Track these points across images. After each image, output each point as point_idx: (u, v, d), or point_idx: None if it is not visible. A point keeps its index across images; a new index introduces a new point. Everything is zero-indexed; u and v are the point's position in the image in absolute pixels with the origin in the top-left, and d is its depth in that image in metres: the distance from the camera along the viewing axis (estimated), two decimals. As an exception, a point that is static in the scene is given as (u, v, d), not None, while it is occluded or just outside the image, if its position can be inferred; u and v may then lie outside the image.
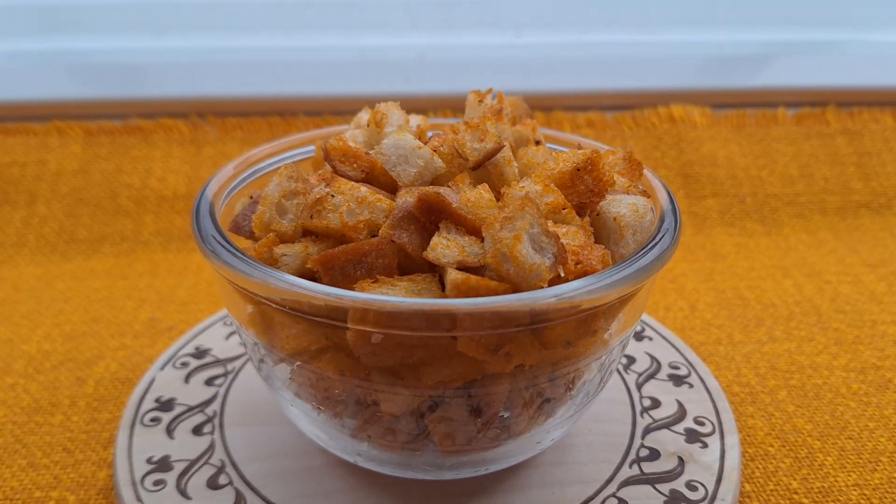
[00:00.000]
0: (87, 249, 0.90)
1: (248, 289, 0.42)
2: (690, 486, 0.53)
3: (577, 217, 0.45)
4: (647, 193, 0.52)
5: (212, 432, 0.57)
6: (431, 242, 0.42)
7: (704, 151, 1.02)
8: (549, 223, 0.44)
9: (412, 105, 1.04)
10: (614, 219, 0.47)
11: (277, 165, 0.60)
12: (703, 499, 0.51)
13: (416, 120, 0.60)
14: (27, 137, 0.97)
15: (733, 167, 1.01)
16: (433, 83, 1.04)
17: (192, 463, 0.54)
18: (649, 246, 0.46)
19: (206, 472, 0.53)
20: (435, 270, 0.44)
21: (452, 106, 1.05)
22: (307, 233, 0.47)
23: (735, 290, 0.83)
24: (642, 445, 0.56)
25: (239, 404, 0.60)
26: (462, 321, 0.39)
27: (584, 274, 0.42)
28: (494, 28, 1.07)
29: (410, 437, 0.49)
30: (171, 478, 0.53)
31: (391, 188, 0.49)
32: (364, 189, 0.45)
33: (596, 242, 0.49)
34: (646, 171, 0.55)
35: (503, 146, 0.50)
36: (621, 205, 0.48)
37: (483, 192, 0.46)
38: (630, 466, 0.55)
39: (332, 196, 0.44)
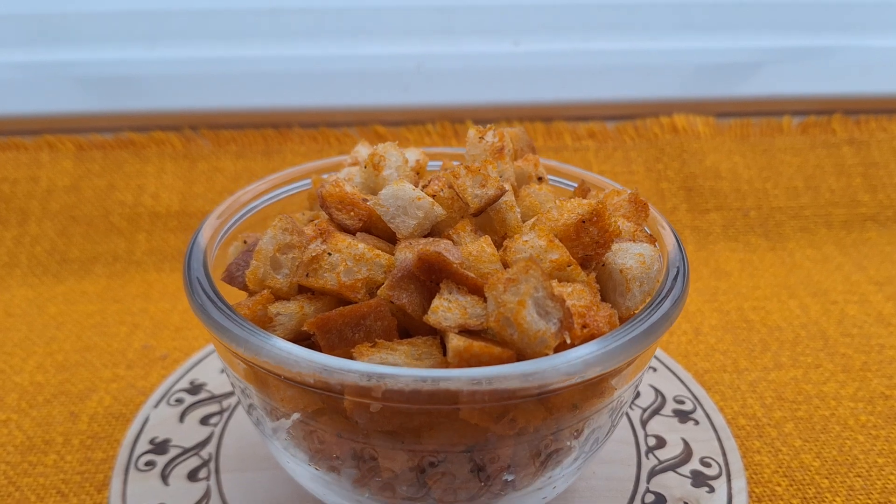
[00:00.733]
0: (79, 270, 0.88)
1: (241, 356, 0.41)
2: (697, 537, 0.52)
3: (582, 273, 0.44)
4: (653, 238, 0.51)
5: (207, 478, 0.56)
6: (432, 305, 0.41)
7: (708, 163, 1.00)
8: (554, 283, 0.42)
9: (410, 116, 1.03)
10: (620, 271, 0.46)
11: (272, 201, 0.59)
12: (711, 552, 0.50)
13: (414, 154, 0.58)
14: (17, 153, 0.95)
15: (737, 179, 0.99)
16: (431, 93, 1.02)
17: (188, 513, 0.53)
18: (657, 301, 0.44)
19: (202, 523, 0.52)
20: (436, 331, 0.42)
21: (451, 117, 1.03)
22: (303, 288, 0.45)
23: (739, 311, 0.81)
24: (648, 490, 0.55)
25: (235, 447, 0.59)
26: (464, 396, 0.37)
27: (591, 338, 0.41)
28: (493, 36, 1.04)
29: (410, 493, 0.47)
30: (165, 530, 0.52)
31: (390, 236, 0.48)
32: (362, 246, 0.43)
33: (601, 292, 0.48)
34: (652, 211, 0.54)
35: (505, 191, 0.48)
36: (627, 255, 0.46)
37: (485, 246, 0.44)
38: (635, 514, 0.53)
39: (329, 254, 0.43)
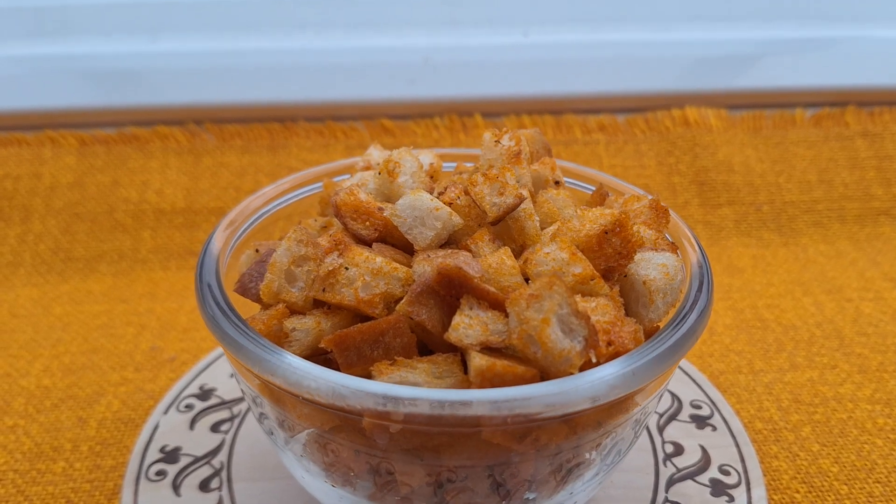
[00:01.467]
0: (84, 268, 0.87)
1: (256, 374, 0.40)
2: (718, 549, 0.51)
3: (606, 286, 0.43)
4: (675, 246, 0.50)
5: (219, 488, 0.55)
6: (453, 322, 0.40)
7: (720, 157, 0.99)
8: (578, 297, 0.41)
9: (418, 110, 1.01)
10: (643, 283, 0.45)
11: (282, 206, 0.57)
12: (732, 564, 0.50)
13: (427, 157, 0.57)
14: (20, 148, 0.94)
15: (750, 173, 0.98)
16: (439, 87, 1.00)
17: (201, 525, 0.52)
18: (682, 315, 0.43)
19: (215, 535, 0.51)
20: (456, 348, 0.41)
21: (459, 110, 1.01)
22: (318, 303, 0.44)
23: (754, 309, 0.80)
24: (667, 499, 0.54)
25: (247, 455, 0.58)
26: (487, 420, 0.36)
27: (616, 355, 0.40)
28: (501, 27, 1.03)
29: (429, 508, 0.46)
30: (178, 542, 0.51)
31: (407, 245, 0.47)
32: (380, 260, 0.42)
33: (623, 303, 0.46)
34: (672, 216, 0.52)
35: (524, 199, 0.47)
36: (650, 266, 0.45)
37: (505, 258, 0.43)
38: (654, 524, 0.53)
39: (346, 268, 0.42)
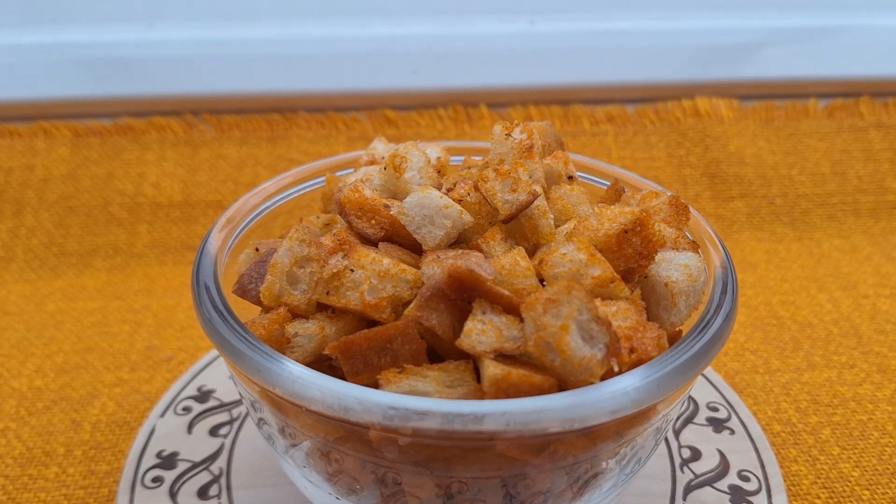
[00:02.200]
0: (78, 263, 0.84)
1: (257, 383, 0.37)
2: (740, 561, 0.49)
3: (626, 289, 0.40)
4: (696, 245, 0.47)
5: (218, 495, 0.53)
6: (465, 328, 0.37)
7: (732, 148, 0.96)
8: (597, 302, 0.39)
9: (421, 100, 0.99)
10: (665, 285, 0.42)
11: (283, 201, 0.55)
12: (755, 577, 0.48)
13: (435, 152, 0.55)
14: (11, 140, 0.91)
15: (762, 165, 0.96)
16: (443, 76, 0.97)
17: (199, 535, 0.50)
18: (706, 320, 0.41)
19: (214, 546, 0.49)
20: (468, 354, 0.39)
21: (464, 101, 0.98)
22: (321, 305, 0.42)
23: (768, 306, 0.78)
24: (684, 508, 0.52)
25: (247, 460, 0.56)
26: (502, 434, 0.34)
27: (639, 363, 0.37)
28: (507, 15, 1.00)
29: (438, 520, 0.44)
30: (176, 554, 0.49)
31: (414, 244, 0.44)
32: (387, 261, 0.40)
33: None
34: (692, 213, 0.50)
35: (537, 196, 0.44)
36: (672, 267, 0.43)
37: (519, 259, 0.41)
38: (672, 534, 0.50)
39: (352, 271, 0.39)
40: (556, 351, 0.35)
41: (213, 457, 0.56)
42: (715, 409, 0.61)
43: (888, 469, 0.58)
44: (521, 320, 0.37)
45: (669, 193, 0.49)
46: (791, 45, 1.01)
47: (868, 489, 0.56)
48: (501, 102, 0.99)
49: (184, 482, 0.54)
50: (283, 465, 0.48)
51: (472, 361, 0.39)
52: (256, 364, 0.37)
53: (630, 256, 0.42)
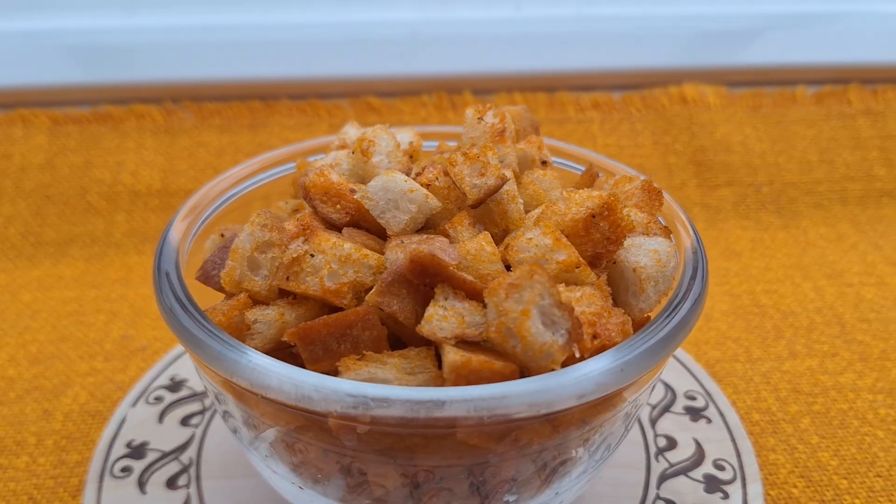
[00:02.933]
0: (55, 253, 0.83)
1: (215, 371, 0.37)
2: (712, 550, 0.48)
3: (592, 274, 0.39)
4: (668, 230, 0.46)
5: (187, 485, 0.52)
6: (426, 313, 0.37)
7: (718, 136, 0.95)
8: (561, 287, 0.38)
9: (405, 87, 0.98)
10: (633, 270, 0.41)
11: (253, 187, 0.54)
12: (727, 567, 0.47)
13: (407, 136, 0.54)
14: (-12, 128, 0.90)
15: (749, 153, 0.95)
16: (428, 62, 0.96)
17: (166, 525, 0.49)
18: (674, 305, 0.40)
19: (181, 536, 0.49)
20: (431, 342, 0.38)
21: (448, 87, 0.97)
22: (284, 292, 0.41)
23: (751, 294, 0.77)
24: (658, 497, 0.52)
25: (218, 451, 0.55)
26: (463, 421, 0.33)
27: (603, 349, 0.37)
28: (493, 0, 0.99)
29: (404, 510, 0.44)
30: (142, 544, 0.48)
31: (381, 230, 0.43)
32: (348, 246, 0.39)
33: (613, 293, 0.43)
34: (666, 198, 0.49)
35: (506, 180, 0.44)
36: (641, 252, 0.42)
37: (485, 244, 0.40)
38: (645, 523, 0.50)
39: (312, 255, 0.38)
40: (517, 337, 0.35)
41: (183, 447, 0.55)
42: (692, 398, 0.60)
43: (867, 458, 0.57)
44: (485, 306, 0.37)
45: (643, 178, 0.48)
46: (780, 30, 1.00)
47: (846, 478, 0.56)
48: (486, 89, 0.98)
49: (153, 472, 0.53)
50: (249, 457, 0.47)
51: (434, 348, 0.38)
52: (214, 352, 0.36)
53: (598, 241, 0.41)
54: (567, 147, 0.57)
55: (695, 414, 0.59)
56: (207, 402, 0.59)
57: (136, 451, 0.55)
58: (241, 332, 0.39)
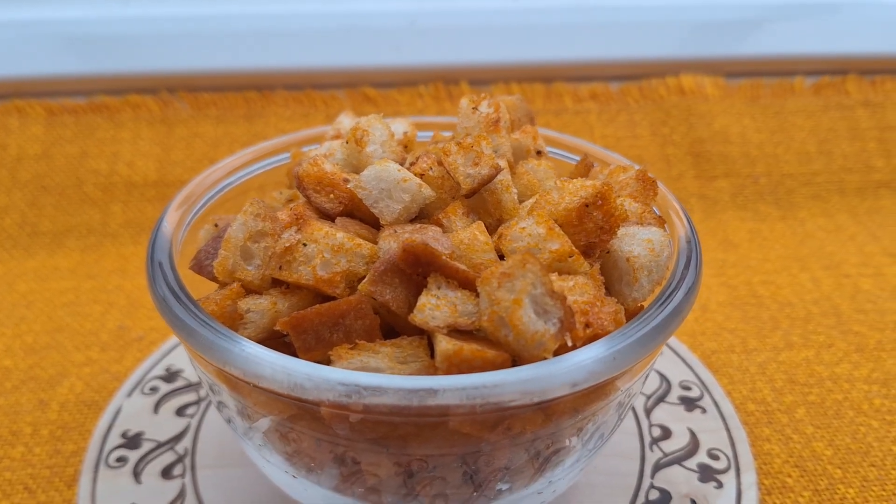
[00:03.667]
0: (51, 243, 0.83)
1: (208, 360, 0.37)
2: (706, 539, 0.48)
3: (585, 263, 0.39)
4: (662, 220, 0.46)
5: (182, 475, 0.52)
6: (419, 302, 0.37)
7: (716, 127, 0.95)
8: (554, 276, 0.38)
9: (402, 77, 0.97)
10: (627, 260, 0.41)
11: (248, 177, 0.54)
12: (721, 556, 0.47)
13: (401, 126, 0.54)
14: (-15, 118, 0.90)
15: (747, 144, 0.94)
16: (425, 53, 0.96)
17: (161, 514, 0.49)
18: (667, 294, 0.40)
19: (176, 526, 0.49)
20: (424, 330, 0.38)
21: (445, 78, 0.97)
22: (277, 281, 0.41)
23: (748, 285, 0.77)
24: (652, 486, 0.52)
25: (213, 441, 0.55)
26: (455, 409, 0.33)
27: (595, 338, 0.37)
28: (490, -10, 0.98)
29: (397, 499, 0.44)
30: (136, 534, 0.48)
31: (375, 220, 0.43)
32: (341, 235, 0.39)
33: (605, 282, 0.43)
34: (661, 189, 0.49)
35: (500, 170, 0.44)
36: (634, 242, 0.42)
37: (478, 234, 0.40)
38: (639, 513, 0.50)
39: (304, 244, 0.38)
40: (509, 325, 0.35)
41: (178, 437, 0.55)
42: (688, 388, 0.60)
43: (861, 448, 0.57)
44: (478, 295, 0.37)
45: (637, 168, 0.48)
46: (779, 21, 1.00)
47: (840, 468, 0.56)
48: (483, 80, 0.98)
49: (148, 462, 0.53)
50: (243, 447, 0.47)
51: (427, 338, 0.38)
52: (207, 341, 0.36)
53: (591, 231, 0.41)
54: (562, 137, 0.57)
55: (689, 404, 0.59)
56: (202, 392, 0.59)
57: (132, 441, 0.55)
58: (234, 321, 0.39)
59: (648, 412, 0.58)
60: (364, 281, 0.38)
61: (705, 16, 1.00)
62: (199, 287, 0.43)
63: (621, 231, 0.43)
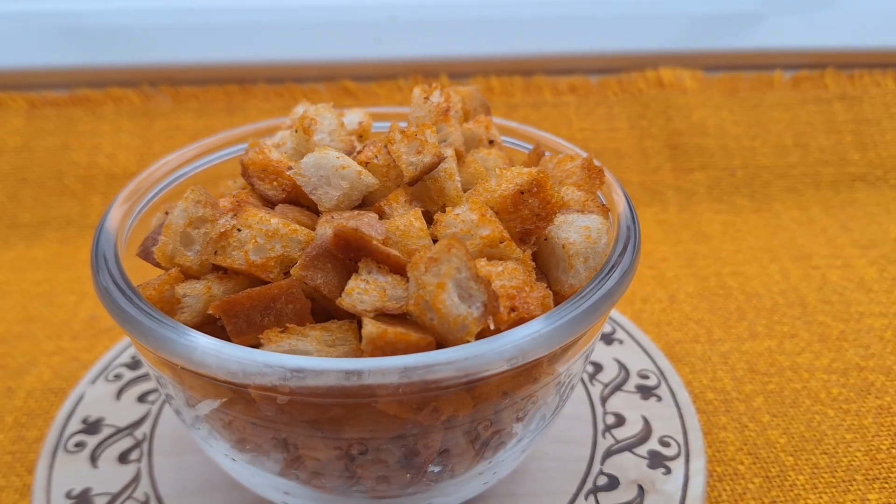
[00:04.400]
0: (29, 235, 0.85)
1: (146, 347, 0.37)
2: (649, 523, 0.49)
3: (518, 249, 0.40)
4: (606, 208, 0.47)
5: (139, 459, 0.53)
6: (347, 286, 0.37)
7: (694, 119, 0.95)
8: (483, 262, 0.39)
9: (382, 71, 0.98)
10: (563, 246, 0.42)
11: (205, 167, 0.55)
12: (662, 540, 0.48)
13: (356, 116, 0.54)
14: (-33, 111, 0.91)
15: (724, 137, 0.95)
16: (405, 46, 0.96)
17: (115, 497, 0.50)
18: (600, 279, 0.40)
19: (129, 508, 0.49)
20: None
21: (425, 71, 0.98)
22: (217, 267, 0.41)
23: (718, 276, 0.78)
24: (601, 472, 0.52)
25: (171, 426, 0.56)
26: (377, 390, 0.34)
27: (521, 322, 0.37)
28: (469, -16, 0.99)
29: (339, 482, 0.44)
30: (89, 516, 0.49)
31: (317, 207, 0.44)
32: (275, 221, 0.39)
33: (544, 269, 0.44)
34: (608, 177, 0.49)
35: (442, 159, 0.44)
36: (572, 229, 0.42)
37: (413, 221, 0.41)
38: (586, 498, 0.51)
39: (239, 230, 0.39)
40: (433, 309, 0.35)
41: (138, 423, 0.56)
42: (645, 377, 0.61)
43: (815, 436, 0.58)
44: (409, 280, 0.37)
45: (584, 156, 0.49)
46: (757, 16, 1.00)
47: (792, 455, 0.56)
48: (463, 73, 0.99)
49: (106, 447, 0.54)
50: (194, 437, 0.48)
51: (358, 321, 0.38)
52: (142, 326, 0.37)
53: (527, 217, 0.42)
54: (519, 127, 0.57)
55: (646, 392, 0.59)
56: (165, 379, 0.60)
57: (92, 426, 0.56)
58: (173, 306, 0.40)
59: (604, 400, 0.59)
60: (296, 266, 0.38)
61: (687, 9, 1.00)
62: (150, 276, 0.44)
63: (560, 218, 0.43)
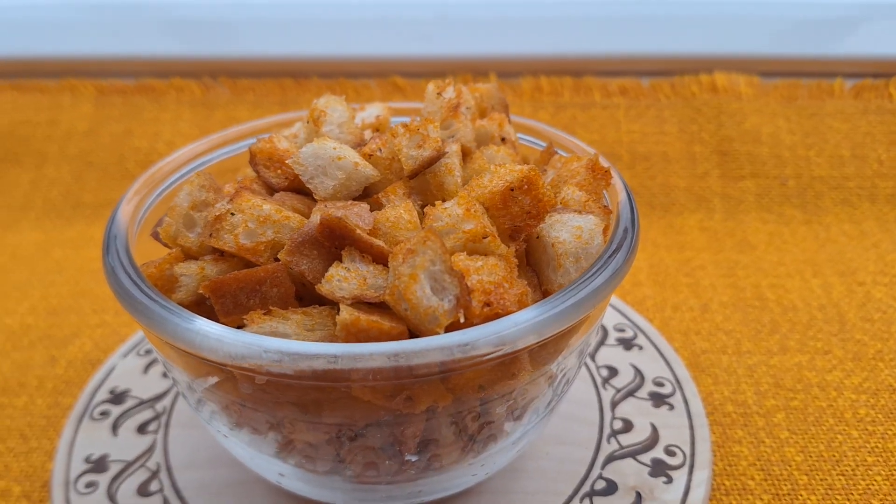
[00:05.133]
0: (91, 215, 0.89)
1: (143, 326, 0.40)
2: (639, 530, 0.48)
3: (502, 245, 0.40)
4: (608, 210, 0.47)
5: (156, 431, 0.56)
6: (327, 274, 0.39)
7: (747, 126, 0.92)
8: (462, 256, 0.39)
9: (432, 68, 0.99)
10: (552, 245, 0.42)
11: (228, 156, 0.57)
12: (650, 548, 0.47)
13: (375, 110, 0.55)
14: (40, 95, 0.97)
15: (778, 145, 0.92)
16: (455, 44, 0.97)
17: (128, 465, 0.53)
18: (585, 278, 0.40)
19: (140, 476, 0.52)
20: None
21: (475, 69, 0.98)
22: (216, 249, 0.43)
23: (756, 288, 0.76)
24: (600, 476, 0.52)
25: (189, 402, 0.58)
26: (347, 374, 0.35)
27: (495, 317, 0.38)
28: (523, -17, 0.99)
29: (331, 466, 0.46)
30: (103, 480, 0.52)
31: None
32: (268, 207, 0.41)
33: (536, 267, 0.44)
34: (615, 179, 0.49)
35: (442, 153, 0.45)
36: (563, 228, 0.43)
37: (403, 213, 0.42)
38: (581, 500, 0.50)
39: (232, 214, 0.41)
40: (405, 300, 0.36)
41: (160, 397, 0.59)
42: (660, 385, 0.60)
43: (834, 456, 0.56)
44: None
45: (592, 154, 0.48)
46: (823, 22, 0.96)
47: (807, 474, 0.55)
48: (512, 71, 0.99)
49: (128, 417, 0.57)
50: (198, 418, 0.50)
51: (338, 308, 0.40)
52: (137, 303, 0.39)
53: (517, 214, 0.42)
54: (539, 126, 0.57)
55: (658, 400, 0.58)
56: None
57: (118, 397, 0.59)
58: (171, 284, 0.42)
59: (615, 405, 0.58)
60: (282, 251, 0.40)
61: (746, 12, 0.97)
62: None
63: (553, 217, 0.43)
